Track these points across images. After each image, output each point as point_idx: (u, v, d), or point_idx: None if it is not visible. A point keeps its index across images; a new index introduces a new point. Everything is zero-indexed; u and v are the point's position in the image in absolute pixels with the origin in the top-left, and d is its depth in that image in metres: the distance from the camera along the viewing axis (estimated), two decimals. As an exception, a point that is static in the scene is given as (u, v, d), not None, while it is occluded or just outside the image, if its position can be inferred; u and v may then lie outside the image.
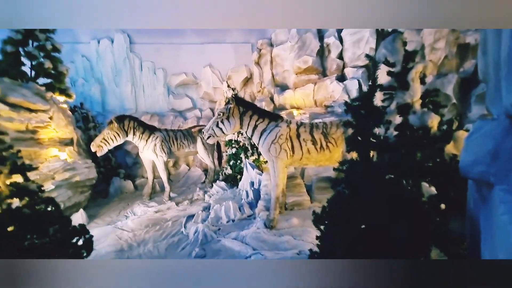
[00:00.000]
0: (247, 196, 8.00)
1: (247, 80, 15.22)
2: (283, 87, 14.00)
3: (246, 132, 6.23)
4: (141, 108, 15.21)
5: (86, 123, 11.53)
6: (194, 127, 11.25)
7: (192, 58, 14.95)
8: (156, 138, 9.34)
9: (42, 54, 7.57)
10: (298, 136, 6.01)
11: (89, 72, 14.16)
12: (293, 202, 7.14)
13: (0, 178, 4.34)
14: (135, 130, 8.98)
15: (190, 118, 15.04)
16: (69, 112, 8.97)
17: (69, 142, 8.43)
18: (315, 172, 8.85)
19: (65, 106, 8.60)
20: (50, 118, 7.29)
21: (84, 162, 8.35)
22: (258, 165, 8.90)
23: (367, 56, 3.25)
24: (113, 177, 11.18)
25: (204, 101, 15.80)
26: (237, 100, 6.11)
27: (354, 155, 2.63)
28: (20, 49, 7.06)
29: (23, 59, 7.31)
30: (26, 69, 7.47)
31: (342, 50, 12.32)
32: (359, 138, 2.49)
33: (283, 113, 12.91)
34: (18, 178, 4.52)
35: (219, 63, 15.18)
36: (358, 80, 11.39)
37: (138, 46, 14.48)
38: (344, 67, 12.44)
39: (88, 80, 14.11)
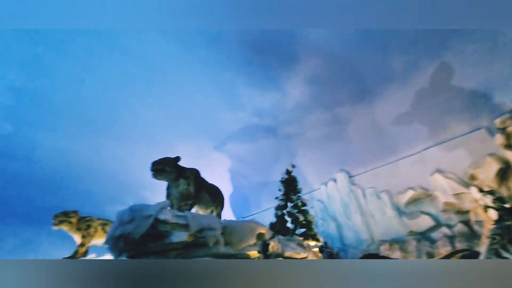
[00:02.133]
0: None
1: (504, 172, 11.09)
2: None
3: None
4: (377, 237, 14.47)
5: (333, 261, 12.33)
6: (454, 253, 8.70)
7: (414, 170, 13.76)
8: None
9: (295, 210, 10.07)
10: None
11: (325, 212, 16.52)
12: None
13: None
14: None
15: (439, 239, 12.09)
16: (320, 254, 10.16)
17: (326, 286, 9.02)
18: None
19: (316, 249, 9.96)
20: (310, 263, 8.53)
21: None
22: None
23: None
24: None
25: (449, 214, 12.64)
26: (515, 213, 4.32)
27: None
28: (284, 212, 9.92)
29: (286, 218, 10.01)
30: (288, 224, 10.01)
31: None
32: None
33: None
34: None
35: (450, 165, 12.71)
36: None
37: (357, 177, 15.83)
38: None
39: (325, 219, 16.27)
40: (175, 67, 18.33)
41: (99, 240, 8.97)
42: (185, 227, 5.33)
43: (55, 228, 8.35)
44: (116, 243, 4.69)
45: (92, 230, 8.77)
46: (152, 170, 6.35)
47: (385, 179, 14.87)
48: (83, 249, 8.41)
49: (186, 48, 17.53)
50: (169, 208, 5.55)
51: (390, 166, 14.80)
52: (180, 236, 5.06)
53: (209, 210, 8.06)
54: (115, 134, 20.70)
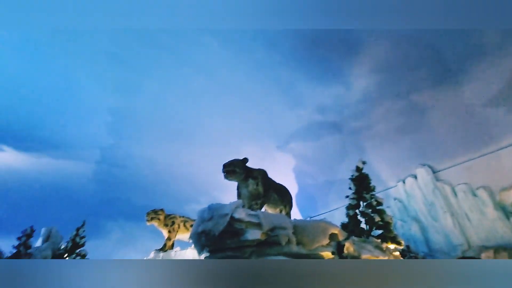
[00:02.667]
0: None
1: None
2: None
3: None
4: (475, 241, 12.19)
5: (419, 268, 10.92)
6: None
7: (524, 161, 11.08)
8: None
9: (369, 210, 9.28)
10: None
11: (404, 212, 14.78)
12: None
13: None
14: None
15: None
16: (402, 259, 9.12)
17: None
18: None
19: (397, 253, 8.98)
20: (391, 268, 7.74)
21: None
22: None
23: None
24: None
25: None
26: None
27: None
28: (357, 211, 9.25)
29: (360, 218, 9.32)
30: (363, 225, 9.30)
31: None
32: None
33: None
34: None
35: None
36: None
37: (443, 173, 13.65)
38: None
39: (405, 220, 14.56)
40: (236, 73, 19.32)
41: (182, 235, 10.12)
42: (258, 225, 5.52)
43: (148, 224, 9.81)
44: (198, 238, 5.19)
45: (176, 226, 9.97)
46: (224, 171, 6.78)
47: (482, 173, 12.40)
48: (170, 243, 9.63)
49: (244, 53, 18.27)
50: (242, 207, 5.84)
51: (488, 158, 12.25)
52: (254, 234, 5.27)
53: (278, 210, 8.15)
54: (190, 141, 23.13)
